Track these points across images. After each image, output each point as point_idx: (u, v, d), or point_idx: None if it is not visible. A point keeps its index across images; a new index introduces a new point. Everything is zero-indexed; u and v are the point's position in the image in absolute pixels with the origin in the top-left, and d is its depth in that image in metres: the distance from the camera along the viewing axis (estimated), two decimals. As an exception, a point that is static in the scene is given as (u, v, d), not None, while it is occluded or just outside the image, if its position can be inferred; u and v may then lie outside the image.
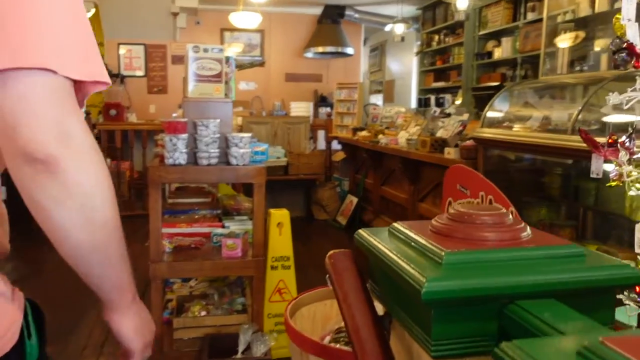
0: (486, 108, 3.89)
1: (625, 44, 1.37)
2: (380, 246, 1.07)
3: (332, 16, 10.33)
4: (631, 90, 1.55)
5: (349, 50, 10.52)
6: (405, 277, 0.89)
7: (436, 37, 9.74)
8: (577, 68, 3.53)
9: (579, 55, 3.66)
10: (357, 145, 6.73)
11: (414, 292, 0.85)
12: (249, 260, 3.02)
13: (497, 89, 5.11)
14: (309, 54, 10.57)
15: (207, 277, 3.76)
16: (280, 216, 3.42)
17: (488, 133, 3.76)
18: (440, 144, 4.67)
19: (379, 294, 1.14)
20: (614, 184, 1.61)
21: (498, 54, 7.82)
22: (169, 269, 2.98)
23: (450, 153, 4.22)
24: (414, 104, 10.86)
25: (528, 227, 1.11)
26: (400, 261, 0.95)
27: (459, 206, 1.10)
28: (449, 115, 5.53)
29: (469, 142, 4.05)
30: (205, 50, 2.98)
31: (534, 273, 0.90)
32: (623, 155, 1.57)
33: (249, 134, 3.10)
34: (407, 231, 1.06)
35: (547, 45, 6.58)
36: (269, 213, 3.43)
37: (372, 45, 13.19)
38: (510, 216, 1.12)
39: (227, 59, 3.13)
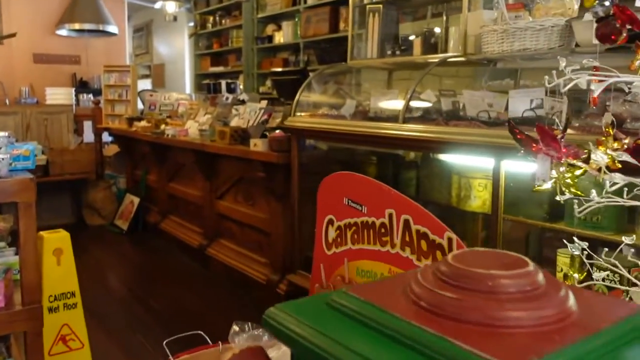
0: (297, 95, 3.51)
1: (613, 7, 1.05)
2: (324, 342, 0.57)
3: (89, -12, 8.95)
4: (573, 72, 1.26)
5: (112, 29, 9.27)
6: None
7: (211, 19, 9.15)
8: (389, 52, 3.35)
9: (389, 39, 3.54)
10: (135, 138, 5.84)
11: None
12: (18, 312, 2.15)
13: (298, 74, 4.79)
14: (63, 31, 9.04)
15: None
16: (58, 240, 2.57)
17: (303, 122, 3.39)
18: (241, 135, 4.17)
19: None
20: (542, 188, 1.32)
21: (279, 38, 7.59)
22: None
23: (258, 145, 3.76)
24: (188, 89, 10.13)
25: (563, 287, 0.71)
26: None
27: (458, 260, 0.65)
28: (243, 102, 5.05)
29: (279, 133, 3.64)
30: None
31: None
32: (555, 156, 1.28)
33: (5, 133, 2.20)
34: (373, 310, 0.59)
35: (332, 30, 6.52)
36: (40, 237, 2.55)
37: (136, 25, 11.98)
38: (540, 275, 0.71)
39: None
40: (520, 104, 2.58)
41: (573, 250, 1.36)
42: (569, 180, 1.24)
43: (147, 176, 6.05)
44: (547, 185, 1.27)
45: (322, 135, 3.24)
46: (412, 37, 3.31)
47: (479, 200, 2.83)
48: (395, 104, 3.06)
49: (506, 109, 2.61)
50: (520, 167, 2.31)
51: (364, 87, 3.94)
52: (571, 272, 1.38)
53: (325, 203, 1.38)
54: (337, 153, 3.56)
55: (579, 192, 1.24)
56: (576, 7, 2.60)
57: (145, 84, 11.15)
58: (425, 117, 2.92)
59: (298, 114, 3.52)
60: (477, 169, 2.75)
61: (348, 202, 1.32)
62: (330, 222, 1.41)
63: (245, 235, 4.36)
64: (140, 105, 7.06)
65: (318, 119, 3.33)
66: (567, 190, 1.25)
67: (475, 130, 2.41)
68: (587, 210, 1.29)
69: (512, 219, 2.43)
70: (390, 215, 1.25)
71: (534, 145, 1.26)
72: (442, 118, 2.78)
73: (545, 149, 1.22)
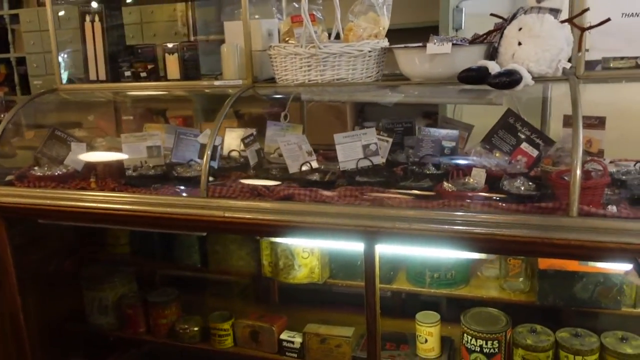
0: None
1: None
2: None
3: None
4: None
5: None
6: None
7: None
8: (129, 74, 2.39)
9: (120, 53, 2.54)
10: None
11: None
12: None
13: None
14: None
15: None
16: None
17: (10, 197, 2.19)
18: None
19: None
20: None
21: None
22: None
23: None
24: None
25: None
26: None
27: None
28: None
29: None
30: None
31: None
32: None
33: None
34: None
35: None
36: None
37: None
38: None
39: None
40: (351, 152, 2.06)
41: None
42: None
43: None
44: None
45: (58, 216, 2.13)
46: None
47: (305, 269, 2.25)
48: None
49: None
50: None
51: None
52: None
53: None
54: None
55: None
56: (386, 25, 2.17)
57: None
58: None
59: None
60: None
61: None
62: None
63: None
64: None
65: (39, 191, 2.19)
66: None
67: (332, 209, 1.80)
68: None
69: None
70: None
71: None
72: (268, 189, 2.06)
73: None
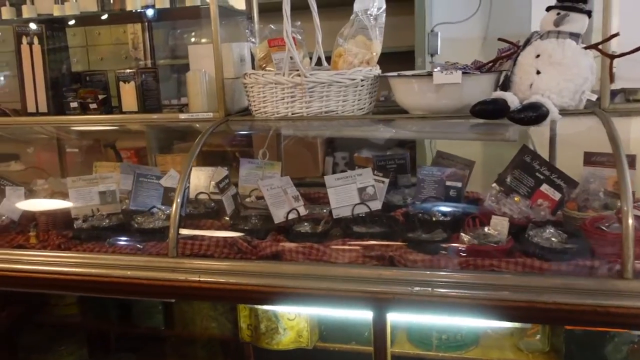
0: None
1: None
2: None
3: None
4: None
5: None
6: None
7: None
8: (75, 105, 2.04)
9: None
10: None
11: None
12: None
13: None
14: None
15: None
16: None
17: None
18: None
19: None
20: None
21: None
22: None
23: None
24: None
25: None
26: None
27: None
28: None
29: None
30: None
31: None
32: None
33: None
34: None
35: None
36: None
37: None
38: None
39: None
40: (345, 196, 1.77)
41: None
42: None
43: None
44: None
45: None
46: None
47: (291, 332, 1.93)
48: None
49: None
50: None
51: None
52: None
53: None
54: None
55: None
56: (379, 50, 1.91)
57: None
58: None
59: None
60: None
61: None
62: None
63: None
64: None
65: None
66: None
67: (332, 270, 1.49)
68: None
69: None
70: None
71: None
72: (250, 244, 1.74)
73: None
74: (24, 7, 2.08)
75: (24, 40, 2.10)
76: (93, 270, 1.62)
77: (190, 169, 1.70)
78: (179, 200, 1.61)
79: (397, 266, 1.47)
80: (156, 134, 3.79)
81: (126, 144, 3.76)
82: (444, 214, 1.73)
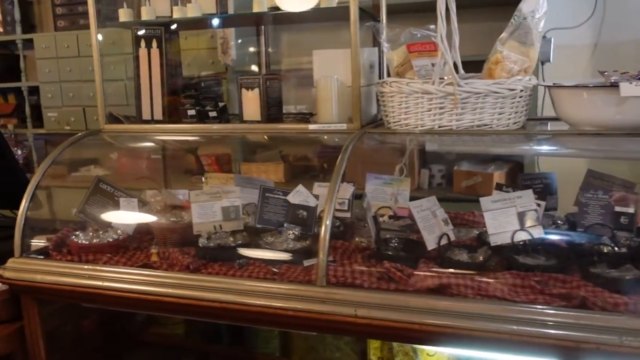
0: (23, 205, 1.74)
1: None
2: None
3: None
4: None
5: None
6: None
7: None
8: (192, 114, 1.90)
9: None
10: None
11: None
12: None
13: None
14: None
15: None
16: None
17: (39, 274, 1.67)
18: None
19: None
20: None
21: None
22: None
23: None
24: None
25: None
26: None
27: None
28: None
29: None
30: None
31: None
32: None
33: None
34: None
35: None
36: None
37: None
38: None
39: None
40: (504, 222, 1.56)
41: None
42: None
43: None
44: None
45: (111, 302, 1.60)
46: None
47: (430, 369, 1.73)
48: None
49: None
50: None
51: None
52: None
53: None
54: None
55: None
56: (536, 57, 1.70)
57: None
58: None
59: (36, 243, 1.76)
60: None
61: None
62: None
63: None
64: None
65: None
66: None
67: (508, 310, 1.29)
68: None
69: None
70: None
71: None
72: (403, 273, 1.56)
73: None
74: (143, 9, 1.97)
75: (142, 43, 1.99)
76: (229, 297, 1.46)
77: (338, 187, 1.52)
78: (327, 222, 1.44)
79: (592, 308, 1.25)
80: (240, 141, 3.66)
81: (207, 150, 3.64)
82: (625, 245, 1.50)
